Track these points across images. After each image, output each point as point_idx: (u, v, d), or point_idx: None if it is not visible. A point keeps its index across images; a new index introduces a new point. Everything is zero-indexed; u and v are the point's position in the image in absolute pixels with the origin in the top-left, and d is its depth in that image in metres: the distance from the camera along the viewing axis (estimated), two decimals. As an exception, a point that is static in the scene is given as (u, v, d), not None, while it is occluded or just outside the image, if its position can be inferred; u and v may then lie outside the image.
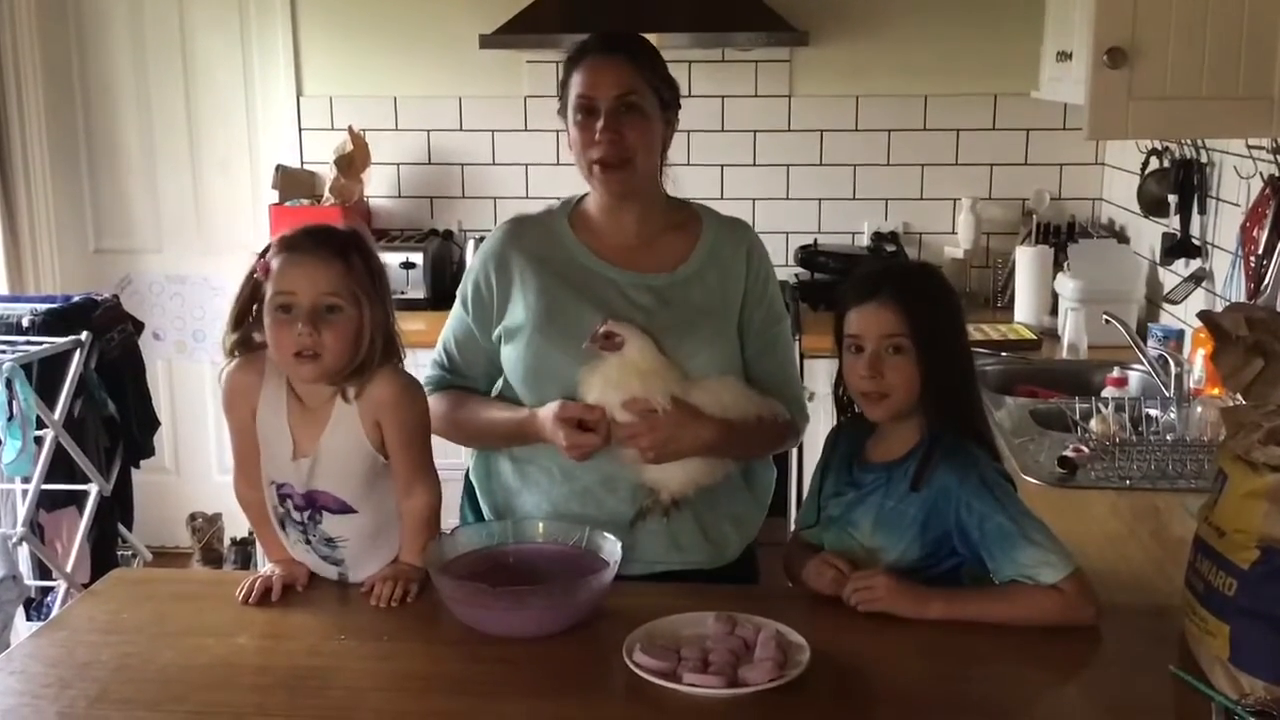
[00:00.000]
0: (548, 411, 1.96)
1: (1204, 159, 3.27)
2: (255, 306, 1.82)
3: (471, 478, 2.19)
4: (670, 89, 2.06)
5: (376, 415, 1.84)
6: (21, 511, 3.59)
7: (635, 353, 1.94)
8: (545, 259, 2.07)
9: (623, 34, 2.08)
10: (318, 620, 1.83)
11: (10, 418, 3.30)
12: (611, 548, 1.85)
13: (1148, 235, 3.75)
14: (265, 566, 1.94)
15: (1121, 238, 4.01)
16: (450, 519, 2.19)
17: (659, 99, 2.03)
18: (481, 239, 4.06)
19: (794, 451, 3.49)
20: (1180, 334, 3.22)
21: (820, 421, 2.24)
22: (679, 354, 1.99)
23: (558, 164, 4.38)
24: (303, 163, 4.48)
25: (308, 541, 1.91)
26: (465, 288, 2.13)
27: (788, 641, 1.67)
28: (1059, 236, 4.14)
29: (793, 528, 2.09)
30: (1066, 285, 3.68)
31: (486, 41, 3.98)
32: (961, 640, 1.73)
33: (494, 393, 2.14)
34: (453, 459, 2.02)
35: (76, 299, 3.79)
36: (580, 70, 2.01)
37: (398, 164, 4.48)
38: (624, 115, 1.98)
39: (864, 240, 4.32)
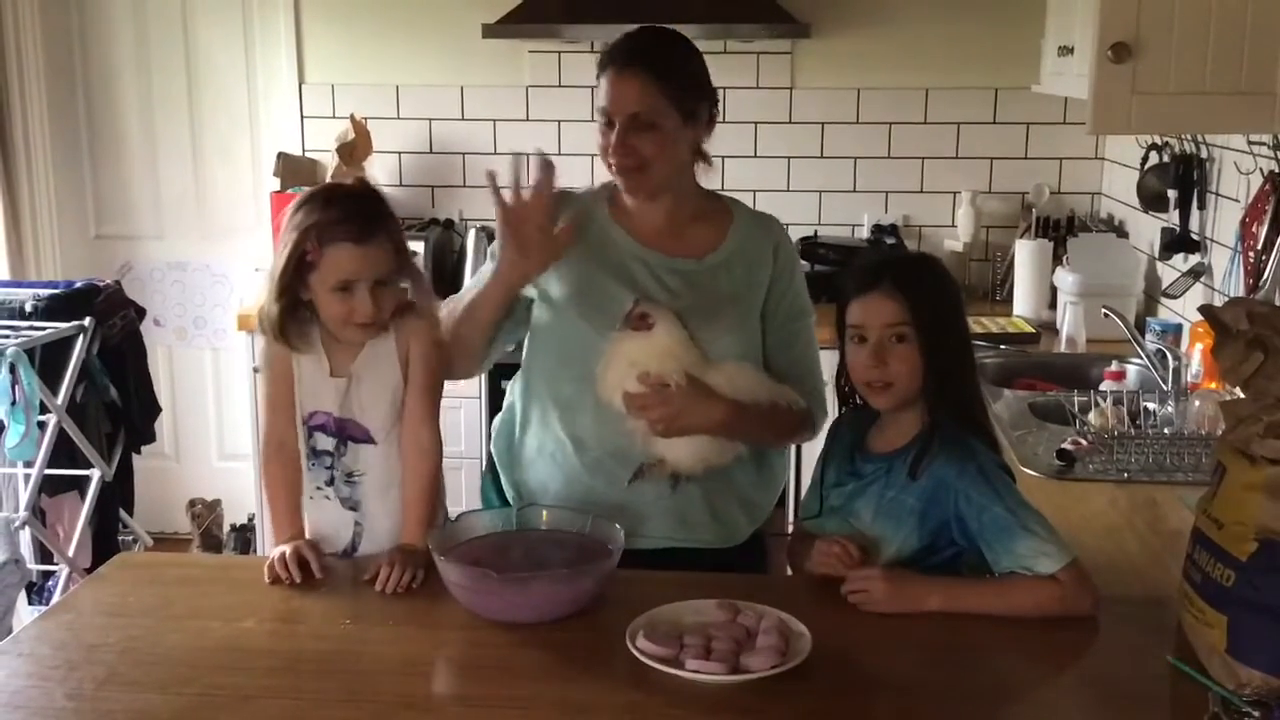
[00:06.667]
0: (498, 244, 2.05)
1: (1204, 154, 3.28)
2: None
3: (493, 452, 2.25)
4: (695, 97, 2.06)
5: (409, 343, 1.97)
6: (24, 496, 3.60)
7: (663, 334, 1.98)
8: (582, 233, 2.10)
9: (646, 40, 2.08)
10: (324, 604, 1.85)
11: (13, 402, 3.31)
12: (615, 535, 1.86)
13: (1147, 230, 3.76)
14: (273, 551, 1.94)
15: (1121, 232, 4.01)
16: (473, 499, 2.22)
17: (679, 110, 2.03)
18: (482, 228, 4.11)
19: (794, 442, 3.50)
20: (1178, 328, 3.23)
21: (822, 412, 2.25)
22: (701, 338, 2.02)
23: (559, 154, 4.38)
24: (304, 150, 4.47)
25: (331, 481, 1.98)
26: (499, 244, 2.12)
27: (789, 630, 1.68)
28: (1058, 230, 4.15)
29: (793, 518, 2.11)
30: (1065, 279, 3.69)
31: (489, 31, 3.98)
32: (960, 630, 1.74)
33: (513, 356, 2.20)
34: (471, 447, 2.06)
35: (79, 285, 3.79)
36: (604, 79, 2.05)
37: (399, 153, 4.48)
38: (637, 132, 2.01)
39: (864, 233, 4.33)
